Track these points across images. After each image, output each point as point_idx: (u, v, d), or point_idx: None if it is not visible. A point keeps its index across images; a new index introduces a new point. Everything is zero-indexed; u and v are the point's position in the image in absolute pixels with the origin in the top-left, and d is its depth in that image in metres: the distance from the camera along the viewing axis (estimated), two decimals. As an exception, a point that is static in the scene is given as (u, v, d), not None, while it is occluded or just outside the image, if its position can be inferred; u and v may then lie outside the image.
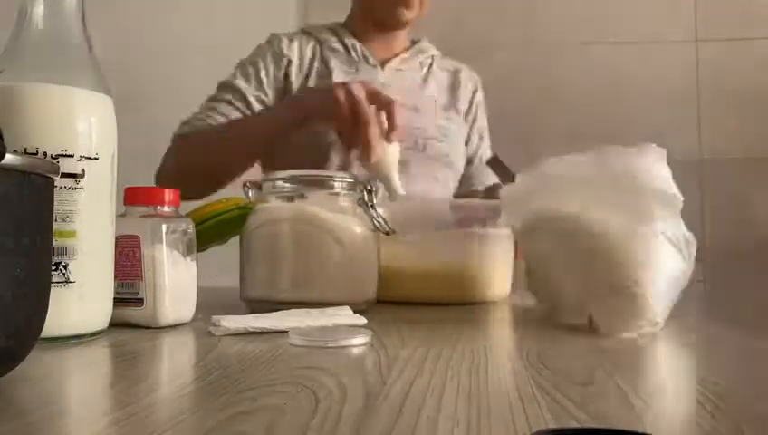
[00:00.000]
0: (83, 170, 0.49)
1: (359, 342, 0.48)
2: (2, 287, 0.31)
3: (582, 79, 1.73)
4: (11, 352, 0.34)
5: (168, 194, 0.59)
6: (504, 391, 0.34)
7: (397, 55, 1.26)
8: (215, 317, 0.54)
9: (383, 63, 1.23)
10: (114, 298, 0.53)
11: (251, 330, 0.52)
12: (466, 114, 1.30)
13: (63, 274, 0.48)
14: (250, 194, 0.74)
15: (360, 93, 0.91)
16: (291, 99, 1.15)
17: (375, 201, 0.72)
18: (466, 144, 1.30)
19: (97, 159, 0.50)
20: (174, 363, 0.46)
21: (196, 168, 1.10)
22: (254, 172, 1.10)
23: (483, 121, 1.33)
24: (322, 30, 1.26)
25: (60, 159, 0.48)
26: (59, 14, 0.51)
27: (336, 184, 0.72)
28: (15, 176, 0.33)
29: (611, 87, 1.72)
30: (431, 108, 1.23)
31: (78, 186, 0.49)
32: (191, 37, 1.64)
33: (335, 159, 1.12)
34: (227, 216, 0.75)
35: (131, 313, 0.56)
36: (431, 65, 1.29)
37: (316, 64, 1.21)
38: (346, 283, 0.67)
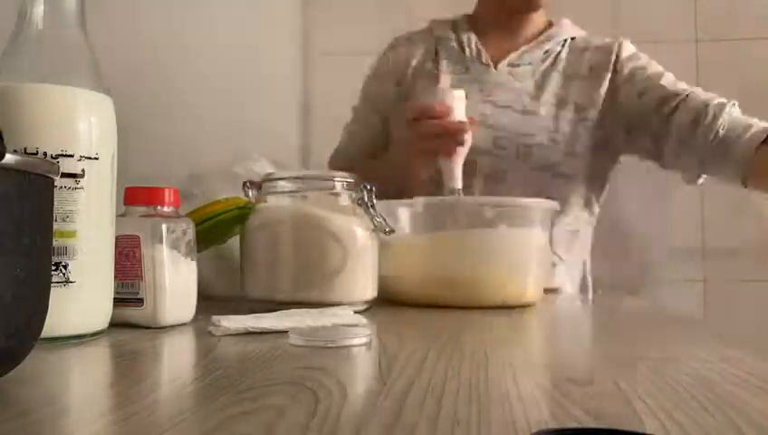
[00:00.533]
0: (83, 170, 0.49)
1: (359, 342, 0.48)
2: (2, 287, 0.31)
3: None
4: (11, 352, 0.34)
5: (168, 194, 0.59)
6: (504, 391, 0.34)
7: (518, 48, 1.14)
8: (215, 317, 0.54)
9: (497, 61, 1.14)
10: (114, 298, 0.53)
11: (251, 330, 0.52)
12: (602, 92, 1.12)
13: (63, 274, 0.48)
14: (250, 194, 0.74)
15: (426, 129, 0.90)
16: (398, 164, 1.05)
17: (375, 201, 0.72)
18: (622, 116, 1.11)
19: (97, 159, 0.50)
20: (174, 363, 0.46)
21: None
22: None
23: (641, 77, 1.11)
24: (445, 25, 1.21)
25: (60, 159, 0.48)
26: (59, 14, 0.51)
27: (336, 184, 0.72)
28: (15, 176, 0.33)
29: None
30: (543, 108, 1.10)
31: (78, 186, 0.49)
32: (191, 37, 1.64)
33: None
34: (227, 216, 0.75)
35: (131, 313, 0.56)
36: (559, 53, 1.14)
37: (428, 66, 1.17)
38: (346, 283, 0.67)
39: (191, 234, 0.60)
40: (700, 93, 1.10)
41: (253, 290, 0.69)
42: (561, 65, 1.14)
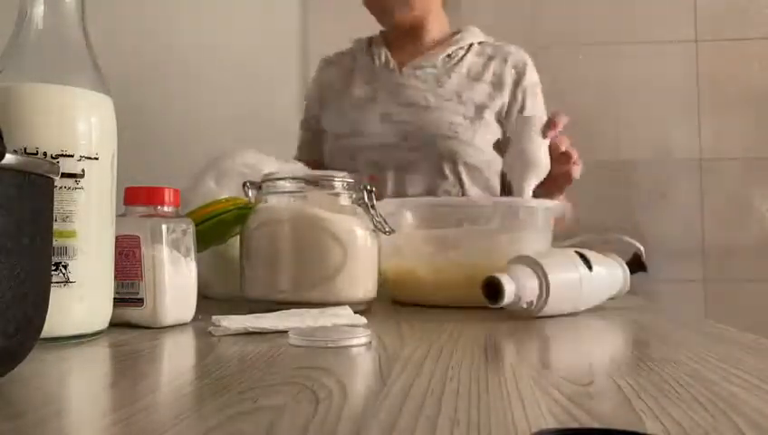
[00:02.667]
0: (83, 170, 0.49)
1: (359, 342, 0.48)
2: (2, 287, 0.31)
3: (582, 79, 1.73)
4: (11, 352, 0.34)
5: (168, 194, 0.59)
6: (504, 391, 0.34)
7: (422, 54, 1.27)
8: (215, 317, 0.54)
9: (402, 66, 1.26)
10: (114, 298, 0.53)
11: (251, 330, 0.52)
12: (508, 106, 1.25)
13: (63, 274, 0.48)
14: (250, 194, 0.74)
15: None
16: None
17: (375, 201, 0.72)
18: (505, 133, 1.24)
19: (97, 159, 0.50)
20: (174, 363, 0.46)
21: None
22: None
23: (532, 107, 1.26)
24: (362, 43, 1.34)
25: (60, 159, 0.48)
26: (59, 14, 0.51)
27: (336, 184, 0.71)
28: (15, 176, 0.33)
29: (611, 87, 1.72)
30: (444, 104, 1.22)
31: (78, 186, 0.49)
32: (192, 37, 1.64)
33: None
34: (227, 216, 0.75)
35: (131, 313, 0.56)
36: (463, 57, 1.26)
37: (339, 84, 1.31)
38: (346, 283, 0.67)
39: (191, 234, 0.60)
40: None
41: (253, 290, 0.69)
42: (464, 67, 1.26)
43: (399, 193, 1.20)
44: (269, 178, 0.72)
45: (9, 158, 0.31)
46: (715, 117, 1.70)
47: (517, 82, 1.26)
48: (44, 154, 0.48)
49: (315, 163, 1.28)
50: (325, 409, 0.30)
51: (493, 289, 0.61)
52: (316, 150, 1.33)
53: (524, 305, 0.62)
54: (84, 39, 0.52)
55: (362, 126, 1.23)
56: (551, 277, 0.63)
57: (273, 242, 0.68)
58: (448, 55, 1.26)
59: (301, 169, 1.02)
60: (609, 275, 0.71)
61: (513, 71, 1.26)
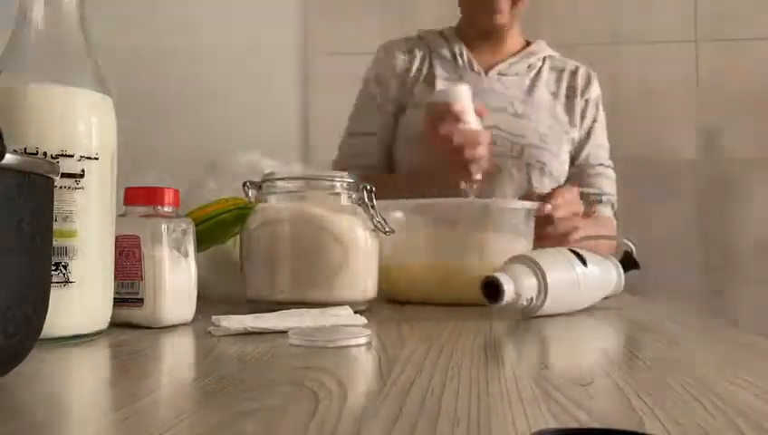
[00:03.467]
0: (83, 170, 0.49)
1: (359, 342, 0.48)
2: (2, 287, 0.31)
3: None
4: (11, 352, 0.34)
5: (168, 194, 0.59)
6: (504, 391, 0.34)
7: (504, 60, 1.26)
8: (215, 317, 0.54)
9: (487, 69, 1.26)
10: (114, 298, 0.53)
11: (251, 330, 0.52)
12: (577, 118, 1.27)
13: (63, 274, 0.48)
14: (250, 194, 0.74)
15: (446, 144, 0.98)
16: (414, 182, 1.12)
17: (375, 201, 0.72)
18: (574, 148, 1.27)
19: (97, 159, 0.50)
20: (174, 363, 0.46)
21: None
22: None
23: (591, 119, 1.29)
24: (435, 35, 1.31)
25: (60, 159, 0.48)
26: (59, 14, 0.51)
27: (336, 184, 0.71)
28: (15, 176, 0.33)
29: (611, 87, 1.72)
30: (533, 114, 1.22)
31: (78, 186, 0.49)
32: (192, 37, 1.64)
33: None
34: (227, 216, 0.75)
35: (131, 313, 0.56)
36: (541, 68, 1.28)
37: (424, 71, 1.27)
38: (346, 283, 0.67)
39: (191, 234, 0.60)
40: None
41: (253, 290, 0.69)
42: (543, 80, 1.27)
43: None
44: (269, 178, 0.72)
45: (9, 158, 0.31)
46: (715, 117, 1.70)
47: (584, 96, 1.28)
48: (44, 154, 0.48)
49: (370, 169, 1.23)
50: (325, 409, 0.30)
51: (492, 289, 0.61)
52: (372, 153, 1.27)
53: (524, 303, 0.62)
54: (84, 39, 0.52)
55: None
56: (549, 276, 0.63)
57: (273, 242, 0.68)
58: (529, 66, 1.27)
59: (301, 169, 1.02)
60: (604, 273, 0.71)
61: (582, 83, 1.28)
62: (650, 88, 1.72)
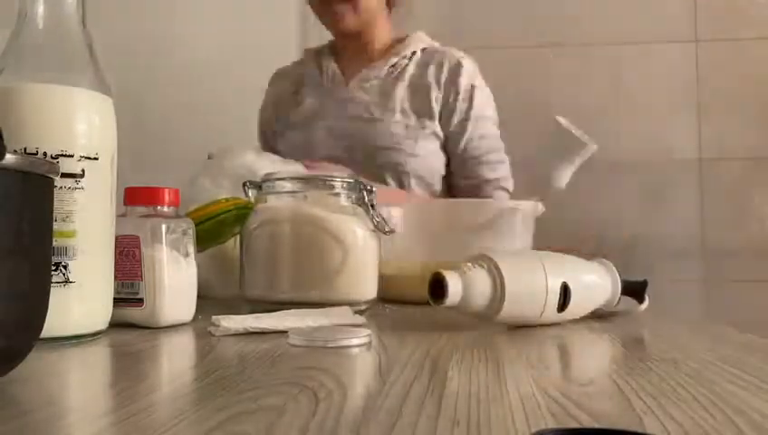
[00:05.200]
0: (83, 170, 0.49)
1: (359, 342, 0.48)
2: (2, 287, 0.31)
3: (582, 79, 1.73)
4: (11, 352, 0.34)
5: (168, 194, 0.59)
6: (504, 391, 0.34)
7: (366, 66, 1.28)
8: (215, 317, 0.54)
9: (349, 79, 1.29)
10: (114, 298, 0.53)
11: (251, 330, 0.52)
12: (438, 110, 1.25)
13: (63, 274, 0.48)
14: (250, 194, 0.74)
15: None
16: None
17: (375, 201, 0.72)
18: (447, 140, 1.26)
19: (97, 159, 0.50)
20: (174, 363, 0.46)
21: None
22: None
23: (463, 111, 1.26)
24: (311, 54, 1.36)
25: (60, 159, 0.48)
26: (59, 14, 0.51)
27: (336, 184, 0.72)
28: (15, 176, 0.33)
29: (611, 87, 1.72)
30: (387, 116, 1.24)
31: (78, 186, 0.49)
32: (192, 38, 1.64)
33: None
34: (227, 216, 0.75)
35: (131, 313, 0.56)
36: (406, 66, 1.28)
37: (289, 97, 1.33)
38: (346, 283, 0.67)
39: (191, 234, 0.60)
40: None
41: (253, 290, 0.69)
42: (406, 77, 1.27)
43: None
44: (269, 178, 0.72)
45: (9, 158, 0.31)
46: (715, 117, 1.70)
47: (450, 84, 1.26)
48: (44, 154, 0.48)
49: None
50: (325, 409, 0.30)
51: (439, 287, 0.54)
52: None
53: (475, 307, 0.55)
54: (84, 39, 0.52)
55: (311, 141, 1.25)
56: (508, 280, 0.55)
57: (273, 242, 0.68)
58: (392, 66, 1.28)
59: (300, 169, 1.02)
60: (590, 286, 0.62)
61: (447, 74, 1.26)
62: (650, 88, 1.72)
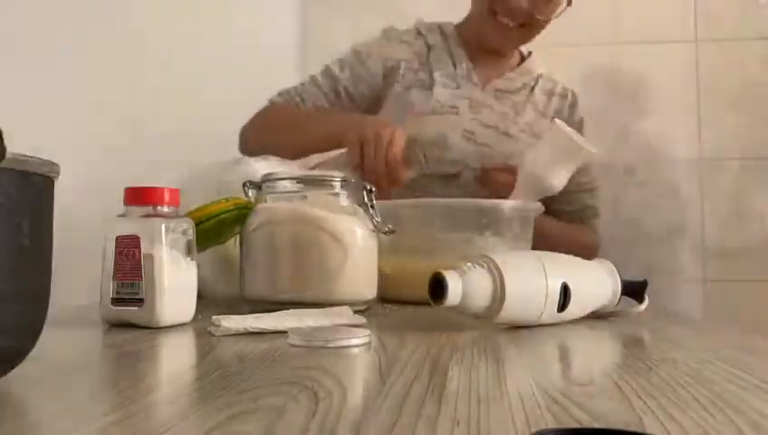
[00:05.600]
0: None
1: (359, 342, 0.48)
2: (2, 287, 0.31)
3: (582, 79, 1.73)
4: (11, 352, 0.34)
5: (168, 194, 0.59)
6: (504, 391, 0.34)
7: (501, 75, 1.24)
8: (215, 317, 0.54)
9: (485, 83, 1.23)
10: (114, 298, 0.53)
11: (251, 330, 0.52)
12: None
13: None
14: (250, 194, 0.74)
15: (374, 160, 0.95)
16: (354, 123, 1.09)
17: (375, 201, 0.72)
18: None
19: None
20: (174, 363, 0.46)
21: (272, 136, 1.18)
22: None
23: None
24: (434, 31, 1.27)
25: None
26: None
27: (336, 184, 0.72)
28: (15, 176, 0.32)
29: (611, 87, 1.72)
30: (520, 135, 1.20)
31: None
32: (191, 37, 1.64)
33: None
34: (227, 216, 0.75)
35: (131, 313, 0.56)
36: (533, 88, 1.26)
37: (421, 75, 1.22)
38: (346, 283, 0.67)
39: (191, 234, 0.60)
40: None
41: (252, 290, 0.69)
42: (534, 99, 1.25)
43: None
44: (269, 179, 0.72)
45: (9, 158, 0.31)
46: (715, 117, 1.69)
47: (569, 117, 1.25)
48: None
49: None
50: (325, 409, 0.30)
51: (438, 287, 0.54)
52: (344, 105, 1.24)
53: (475, 308, 0.55)
54: None
55: (447, 136, 1.16)
56: (508, 280, 0.55)
57: (273, 242, 0.68)
58: (524, 84, 1.25)
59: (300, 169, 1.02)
60: (593, 284, 0.62)
61: (567, 109, 1.27)
62: (650, 88, 1.72)
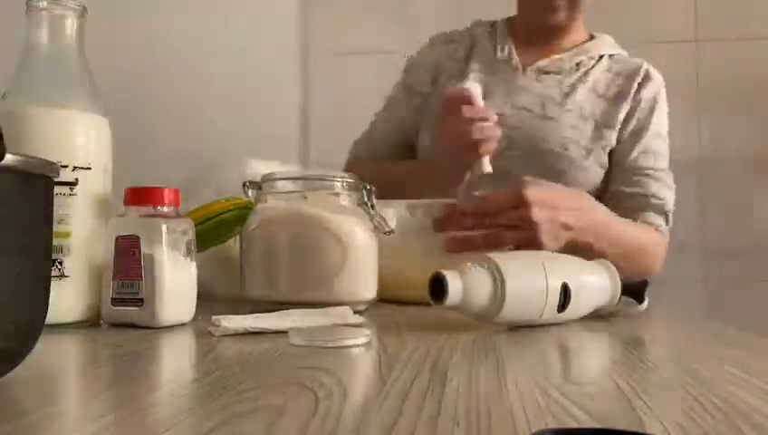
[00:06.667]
0: (77, 179, 0.56)
1: (359, 342, 0.48)
2: (2, 287, 0.31)
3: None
4: (11, 352, 0.34)
5: (168, 194, 0.59)
6: (504, 391, 0.34)
7: (549, 56, 1.16)
8: (215, 317, 0.53)
9: (526, 66, 1.16)
10: (114, 298, 0.53)
11: (251, 330, 0.52)
12: (619, 121, 1.13)
13: (59, 269, 0.54)
14: (250, 194, 0.74)
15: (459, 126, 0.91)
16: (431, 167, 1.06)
17: (375, 201, 0.72)
18: (614, 151, 1.13)
19: (90, 169, 0.57)
20: (174, 363, 0.46)
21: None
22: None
23: (640, 123, 1.15)
24: (484, 28, 1.25)
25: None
26: (61, 45, 0.58)
27: (336, 184, 0.71)
28: (15, 176, 0.32)
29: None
30: (564, 117, 1.11)
31: (72, 192, 0.56)
32: (191, 38, 1.64)
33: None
34: (227, 216, 0.75)
35: (131, 313, 0.56)
36: (592, 68, 1.16)
37: (459, 67, 1.20)
38: (346, 283, 0.67)
39: (191, 234, 0.60)
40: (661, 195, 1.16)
41: (252, 290, 0.69)
42: (590, 80, 1.15)
43: None
44: (269, 179, 0.72)
45: (9, 158, 0.31)
46: (715, 117, 1.69)
47: (637, 94, 1.15)
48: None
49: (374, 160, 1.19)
50: (325, 409, 0.30)
51: (438, 287, 0.54)
52: (409, 135, 1.21)
53: (476, 308, 0.55)
54: (83, 66, 0.59)
55: None
56: (508, 281, 0.55)
57: (273, 242, 0.68)
58: (577, 64, 1.16)
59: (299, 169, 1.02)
60: (593, 284, 0.62)
61: (636, 86, 1.16)
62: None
